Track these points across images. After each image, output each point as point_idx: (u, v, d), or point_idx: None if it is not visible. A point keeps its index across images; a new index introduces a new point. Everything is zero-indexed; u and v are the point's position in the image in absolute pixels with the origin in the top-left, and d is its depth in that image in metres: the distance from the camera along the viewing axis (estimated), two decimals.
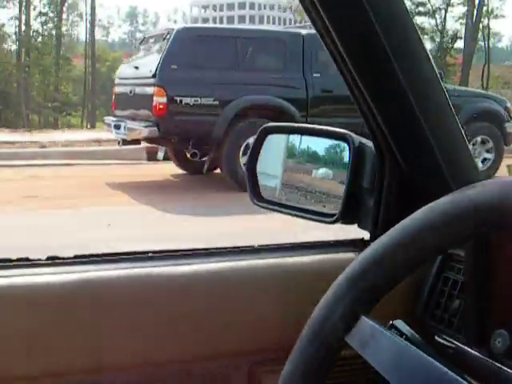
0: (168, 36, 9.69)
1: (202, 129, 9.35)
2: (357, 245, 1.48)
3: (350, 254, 1.44)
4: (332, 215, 1.41)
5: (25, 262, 1.29)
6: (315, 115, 9.87)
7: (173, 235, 6.13)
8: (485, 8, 31.73)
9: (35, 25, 33.89)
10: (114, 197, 8.81)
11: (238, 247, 1.44)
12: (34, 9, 33.22)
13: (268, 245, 1.47)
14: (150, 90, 9.40)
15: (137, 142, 9.97)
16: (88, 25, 35.10)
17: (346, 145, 1.40)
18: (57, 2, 33.98)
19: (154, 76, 9.37)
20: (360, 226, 1.43)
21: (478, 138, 10.79)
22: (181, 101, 9.27)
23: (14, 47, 34.20)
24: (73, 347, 1.24)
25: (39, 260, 1.30)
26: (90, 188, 9.33)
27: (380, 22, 1.15)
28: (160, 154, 10.08)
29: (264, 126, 1.57)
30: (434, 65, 1.26)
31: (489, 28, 33.06)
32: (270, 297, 1.37)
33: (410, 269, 0.88)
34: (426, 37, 28.61)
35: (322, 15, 1.16)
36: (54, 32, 34.37)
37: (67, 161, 11.48)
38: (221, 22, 67.05)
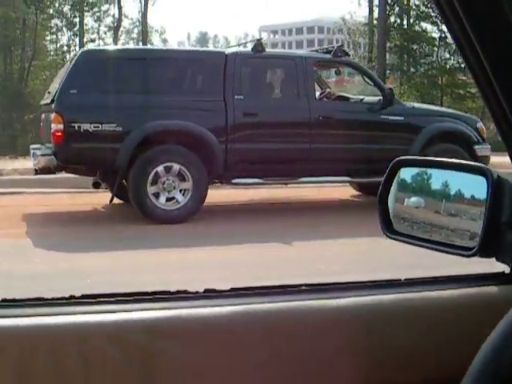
0: (73, 59, 9.10)
1: (105, 157, 8.65)
2: (499, 278, 1.49)
3: (493, 288, 1.47)
4: (470, 249, 1.40)
5: (183, 295, 1.38)
6: (236, 141, 9.03)
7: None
8: None
9: None
10: (9, 229, 8.27)
11: (384, 280, 1.51)
12: (83, 35, 33.61)
13: (413, 278, 1.54)
14: (51, 116, 8.81)
15: (49, 171, 9.32)
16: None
17: (482, 178, 1.38)
18: (113, 27, 34.34)
19: (52, 102, 8.76)
20: (499, 260, 1.42)
21: None
22: (79, 127, 8.58)
23: None
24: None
25: (197, 293, 1.39)
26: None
27: None
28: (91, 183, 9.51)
29: (397, 159, 1.54)
30: None
31: None
32: (415, 329, 1.41)
33: None
34: None
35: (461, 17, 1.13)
36: None
37: (10, 189, 11.09)
38: (289, 46, 67.11)
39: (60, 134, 8.56)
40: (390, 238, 1.56)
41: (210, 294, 1.39)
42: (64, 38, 35.18)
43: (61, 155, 8.66)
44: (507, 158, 1.35)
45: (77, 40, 34.22)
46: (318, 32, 68.74)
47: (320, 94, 10.04)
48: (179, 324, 1.30)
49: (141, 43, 34.36)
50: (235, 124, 9.07)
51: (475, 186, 1.42)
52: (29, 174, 12.64)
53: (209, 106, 9.05)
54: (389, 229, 1.56)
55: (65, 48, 35.80)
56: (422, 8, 29.45)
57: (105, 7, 34.92)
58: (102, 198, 10.26)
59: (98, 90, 8.69)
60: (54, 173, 9.33)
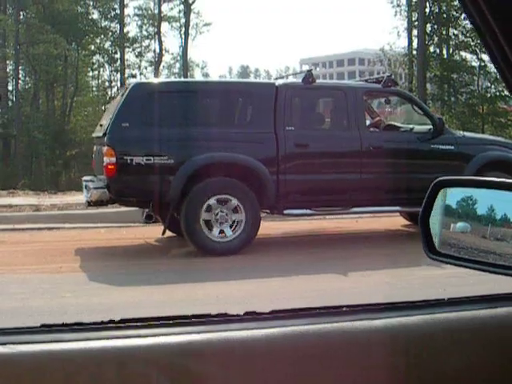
0: (124, 92, 9.16)
1: (157, 189, 8.66)
2: None
3: None
4: None
5: (223, 318, 1.38)
6: (287, 172, 9.01)
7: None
8: None
9: None
10: (60, 263, 8.26)
11: (428, 300, 1.49)
12: (124, 71, 34.04)
13: (457, 298, 1.52)
14: (103, 149, 8.87)
15: (102, 204, 9.36)
16: None
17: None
18: (154, 62, 34.76)
19: (104, 135, 8.82)
20: None
21: None
22: (131, 160, 8.60)
23: None
24: None
25: (237, 316, 1.39)
26: (44, 255, 8.82)
27: None
28: (144, 215, 9.55)
29: (438, 179, 1.54)
30: None
31: None
32: (463, 350, 1.39)
33: None
34: None
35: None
36: None
37: (56, 224, 11.13)
38: (331, 78, 67.27)
39: (112, 167, 8.59)
40: (432, 258, 1.55)
41: (250, 317, 1.39)
42: (105, 73, 35.65)
43: (113, 188, 8.70)
44: None
45: (118, 75, 34.68)
46: (358, 63, 68.95)
47: (370, 124, 10.00)
48: (219, 347, 1.30)
49: (182, 77, 34.81)
50: (286, 155, 9.05)
51: (463, 208, 1.45)
52: (68, 209, 12.79)
53: (260, 138, 9.04)
54: (431, 250, 1.55)
55: (106, 84, 36.32)
56: (461, 37, 29.46)
57: (145, 43, 35.49)
58: (146, 231, 10.36)
59: (149, 123, 8.73)
60: (106, 205, 9.39)
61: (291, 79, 10.68)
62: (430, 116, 9.81)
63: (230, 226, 8.81)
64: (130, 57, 35.64)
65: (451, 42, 29.72)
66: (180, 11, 35.02)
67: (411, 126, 10.17)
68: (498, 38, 1.13)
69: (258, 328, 1.33)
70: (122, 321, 1.35)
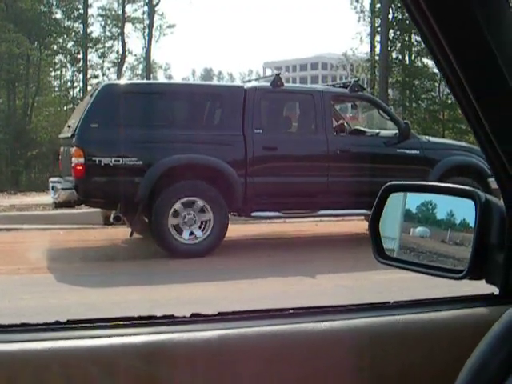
0: (93, 93, 9.16)
1: (126, 191, 8.66)
2: (488, 300, 1.49)
3: (483, 310, 1.46)
4: (459, 271, 1.42)
5: (170, 320, 1.36)
6: (255, 175, 9.08)
7: None
8: None
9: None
10: (18, 265, 8.19)
11: (374, 303, 1.50)
12: (86, 71, 33.81)
13: (402, 301, 1.52)
14: (72, 150, 8.85)
15: (70, 205, 9.33)
16: None
17: (470, 201, 1.41)
18: (117, 63, 34.58)
19: (72, 136, 8.80)
20: (488, 282, 1.43)
21: None
22: (100, 161, 8.61)
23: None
24: None
25: (184, 317, 1.38)
26: (1, 256, 8.77)
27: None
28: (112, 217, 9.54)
29: (387, 184, 1.56)
30: None
31: None
32: (407, 352, 1.41)
33: None
34: None
35: (443, 43, 1.15)
36: None
37: (15, 225, 11.03)
38: (294, 82, 67.57)
39: (81, 167, 8.59)
40: (381, 262, 1.57)
41: (198, 319, 1.38)
42: (68, 73, 35.37)
43: (81, 189, 8.69)
44: None
45: (80, 76, 34.43)
46: (321, 68, 69.37)
47: (335, 127, 10.10)
48: (166, 349, 1.30)
49: (145, 79, 34.71)
50: (254, 158, 9.13)
51: (465, 209, 1.44)
52: (27, 209, 12.67)
53: (228, 140, 9.11)
54: (380, 254, 1.57)
55: (68, 84, 36.02)
56: (424, 44, 29.84)
57: (109, 43, 35.28)
58: (106, 233, 10.30)
59: (118, 124, 8.73)
60: (73, 207, 9.36)
61: (260, 82, 10.75)
62: (396, 121, 9.97)
63: (199, 228, 8.86)
64: (92, 57, 35.46)
65: (413, 49, 29.98)
66: (144, 12, 34.99)
67: (377, 131, 10.32)
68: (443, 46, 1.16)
69: (204, 330, 1.33)
70: (69, 322, 1.34)
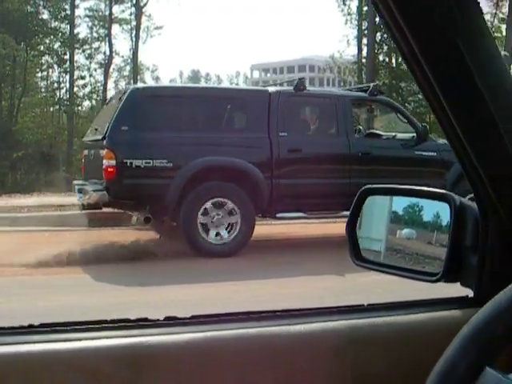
0: (122, 96, 9.34)
1: (156, 192, 8.88)
2: (463, 302, 1.50)
3: (457, 312, 1.47)
4: (434, 274, 1.43)
5: (143, 323, 1.36)
6: (281, 177, 9.33)
7: None
8: None
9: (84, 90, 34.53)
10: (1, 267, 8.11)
11: (350, 306, 1.50)
12: (73, 73, 33.75)
13: (377, 304, 1.51)
14: (102, 152, 9.04)
15: (97, 206, 9.52)
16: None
17: (446, 204, 1.42)
18: (104, 64, 34.57)
19: (103, 138, 8.99)
20: (463, 284, 1.45)
21: (472, 195, 9.89)
22: (131, 163, 8.81)
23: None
24: None
25: (157, 321, 1.37)
26: None
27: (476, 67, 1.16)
28: (134, 219, 9.71)
29: (364, 187, 1.57)
30: None
31: None
32: (379, 353, 1.40)
33: None
34: None
35: (421, 60, 1.18)
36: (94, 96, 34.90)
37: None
38: (281, 84, 67.40)
39: (112, 169, 8.78)
40: (358, 265, 1.58)
41: (171, 322, 1.38)
42: (54, 74, 35.30)
43: (113, 190, 8.86)
44: None
45: (67, 77, 34.41)
46: (309, 70, 69.62)
47: (356, 130, 10.39)
48: (139, 352, 1.29)
49: (132, 81, 34.79)
50: (280, 160, 9.37)
51: (441, 212, 1.46)
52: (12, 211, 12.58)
53: (254, 143, 9.35)
54: (357, 256, 1.58)
55: (55, 85, 35.94)
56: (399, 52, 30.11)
57: (96, 44, 35.27)
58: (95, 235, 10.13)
59: (148, 127, 8.95)
60: (101, 208, 9.54)
61: (282, 87, 11.01)
62: (414, 124, 10.26)
63: (226, 229, 9.09)
64: (79, 58, 35.39)
65: None
66: (131, 14, 34.99)
67: (393, 134, 10.61)
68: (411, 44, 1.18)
69: (178, 333, 1.33)
70: (42, 325, 1.34)
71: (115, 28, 35.31)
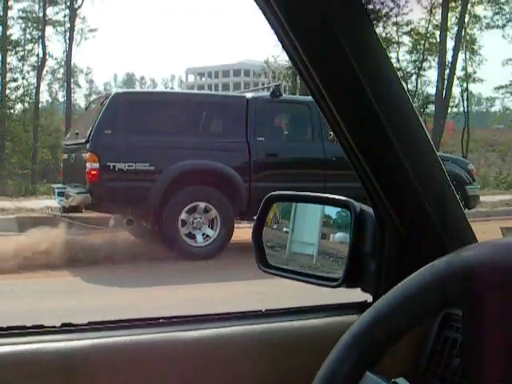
0: (104, 101, 9.44)
1: (138, 195, 9.02)
2: (362, 307, 1.51)
3: (355, 317, 1.46)
4: (335, 280, 1.45)
5: (39, 330, 1.33)
6: (259, 180, 9.56)
7: None
8: (463, 72, 32.00)
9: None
10: None
11: (248, 312, 1.49)
12: (5, 75, 33.08)
13: (276, 309, 1.52)
14: (85, 155, 9.14)
15: (77, 209, 9.61)
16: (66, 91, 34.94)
17: (347, 211, 1.45)
18: (37, 67, 34.01)
19: (87, 142, 9.09)
20: (363, 290, 1.47)
21: None
22: (114, 166, 8.99)
23: None
24: None
25: (53, 327, 1.34)
26: None
27: (372, 90, 1.22)
28: (111, 222, 9.79)
29: (269, 194, 1.59)
30: (425, 130, 1.34)
31: (467, 91, 33.20)
32: (278, 360, 1.41)
33: (409, 327, 0.94)
34: None
35: (313, 74, 1.21)
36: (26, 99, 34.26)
37: None
38: (216, 88, 67.78)
39: (95, 172, 8.93)
40: (264, 271, 1.58)
41: (67, 328, 1.35)
42: None
43: (96, 193, 8.98)
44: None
45: None
46: (244, 75, 69.76)
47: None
48: (34, 359, 1.26)
49: (65, 83, 34.36)
50: (257, 164, 9.62)
51: (343, 219, 1.49)
52: None
53: (233, 147, 9.57)
54: (263, 262, 1.59)
55: None
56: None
57: (29, 46, 34.57)
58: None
59: (130, 131, 9.11)
60: (81, 211, 9.61)
61: (259, 93, 11.26)
62: None
63: (205, 231, 9.29)
64: (12, 60, 34.61)
65: None
66: (65, 15, 34.49)
67: None
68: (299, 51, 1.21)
69: (74, 339, 1.31)
70: None
71: (49, 30, 34.79)
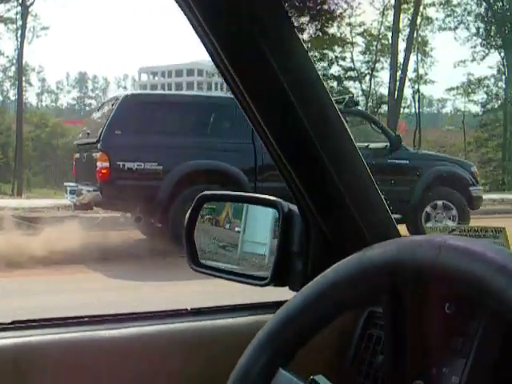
0: (115, 102, 9.60)
1: (147, 193, 9.16)
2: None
3: None
4: (264, 278, 1.45)
5: None
6: (264, 180, 9.71)
7: None
8: (414, 74, 32.43)
9: None
10: None
11: (174, 310, 1.49)
12: None
13: (202, 308, 1.51)
14: (96, 155, 9.34)
15: (88, 206, 9.72)
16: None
17: (275, 211, 1.45)
18: None
19: (98, 141, 9.29)
20: (291, 288, 1.46)
21: (440, 202, 10.64)
22: (124, 166, 9.19)
23: None
24: None
25: None
26: None
27: (292, 90, 1.22)
28: (121, 220, 9.88)
29: (200, 194, 1.59)
30: (349, 131, 1.34)
31: (419, 93, 33.61)
32: (200, 358, 1.40)
33: (321, 324, 0.96)
34: None
35: (234, 75, 1.22)
36: None
37: None
38: (169, 88, 67.27)
39: (105, 171, 9.12)
40: (195, 270, 1.57)
41: None
42: None
43: (106, 191, 9.11)
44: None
45: None
46: (197, 74, 69.46)
47: None
48: None
49: (17, 82, 33.94)
50: (263, 164, 9.77)
51: (272, 218, 1.48)
52: None
53: (239, 148, 9.72)
54: (194, 261, 1.58)
55: None
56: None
57: None
58: None
59: (140, 131, 9.29)
60: (92, 209, 9.74)
61: None
62: (388, 133, 10.92)
63: None
64: None
65: None
66: (17, 13, 33.99)
67: (366, 144, 11.20)
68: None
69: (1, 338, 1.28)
70: None
71: (0, 27, 34.23)
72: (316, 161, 1.31)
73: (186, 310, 1.50)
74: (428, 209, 10.49)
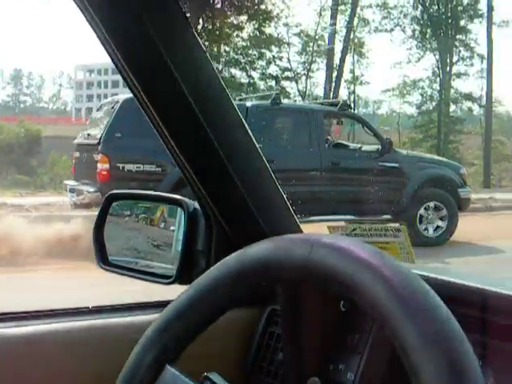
0: (115, 105, 9.89)
1: None
2: None
3: None
4: (169, 277, 1.47)
5: None
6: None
7: None
8: (350, 75, 32.24)
9: None
10: None
11: (75, 308, 1.45)
12: None
13: (104, 306, 1.49)
14: (96, 156, 9.59)
15: (88, 206, 10.07)
16: None
17: (181, 209, 1.47)
18: None
19: (98, 143, 9.53)
20: None
21: (431, 204, 10.85)
22: (123, 167, 9.45)
23: None
24: None
25: None
26: None
27: (191, 92, 1.25)
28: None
29: (109, 193, 1.62)
30: (248, 131, 1.38)
31: (355, 94, 33.42)
32: (98, 356, 1.38)
33: (207, 321, 0.98)
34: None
35: (131, 75, 1.25)
36: None
37: None
38: (105, 86, 66.91)
39: (106, 173, 9.36)
40: (104, 269, 1.56)
41: None
42: None
43: (106, 192, 9.35)
44: None
45: None
46: None
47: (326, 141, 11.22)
48: None
49: None
50: None
51: (179, 217, 1.49)
52: None
53: None
54: (103, 260, 1.57)
55: None
56: (232, 54, 30.95)
57: None
58: None
59: (139, 134, 9.47)
60: (91, 208, 10.12)
61: (259, 100, 11.79)
62: (379, 136, 11.19)
63: None
64: None
65: (222, 59, 30.14)
66: None
67: (359, 145, 11.52)
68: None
69: None
70: None
71: None
72: (214, 159, 1.33)
73: (88, 308, 1.47)
74: (421, 211, 10.74)
